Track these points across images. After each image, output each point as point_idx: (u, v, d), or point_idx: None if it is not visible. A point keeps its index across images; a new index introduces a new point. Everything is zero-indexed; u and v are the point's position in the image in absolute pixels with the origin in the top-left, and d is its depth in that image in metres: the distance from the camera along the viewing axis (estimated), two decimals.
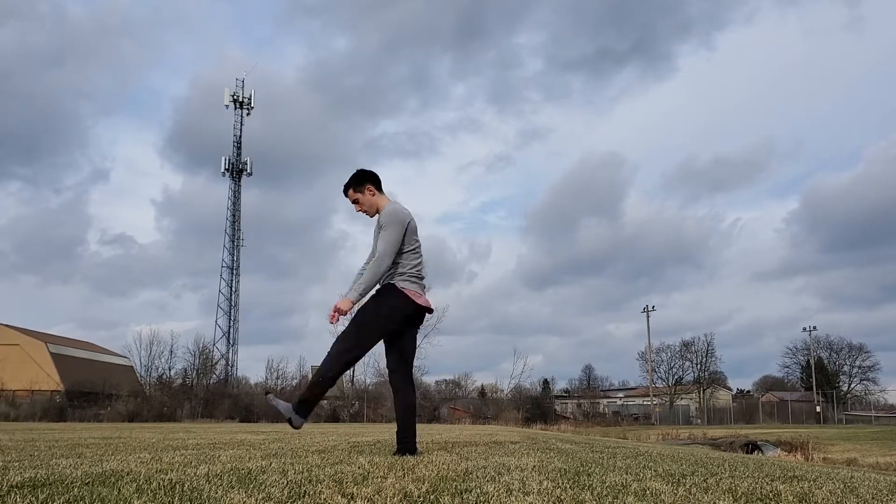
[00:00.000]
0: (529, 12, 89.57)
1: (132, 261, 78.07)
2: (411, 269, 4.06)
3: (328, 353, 3.97)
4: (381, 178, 4.26)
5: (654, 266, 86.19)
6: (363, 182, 4.18)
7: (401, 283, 4.00)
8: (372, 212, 4.20)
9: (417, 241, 4.14)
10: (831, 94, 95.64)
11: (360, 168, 4.25)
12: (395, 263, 4.04)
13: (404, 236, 4.04)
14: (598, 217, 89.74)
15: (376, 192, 4.20)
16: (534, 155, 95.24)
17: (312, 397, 4.04)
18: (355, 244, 79.58)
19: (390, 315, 3.98)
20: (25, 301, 75.45)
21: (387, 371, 4.13)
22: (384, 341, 4.09)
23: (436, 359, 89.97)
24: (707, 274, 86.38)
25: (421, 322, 4.19)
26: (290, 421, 4.04)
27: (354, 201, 4.22)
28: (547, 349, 79.74)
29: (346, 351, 3.94)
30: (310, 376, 44.22)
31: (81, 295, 78.23)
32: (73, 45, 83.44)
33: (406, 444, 4.04)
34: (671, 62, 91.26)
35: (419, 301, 4.03)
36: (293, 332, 74.76)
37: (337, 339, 4.00)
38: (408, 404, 4.06)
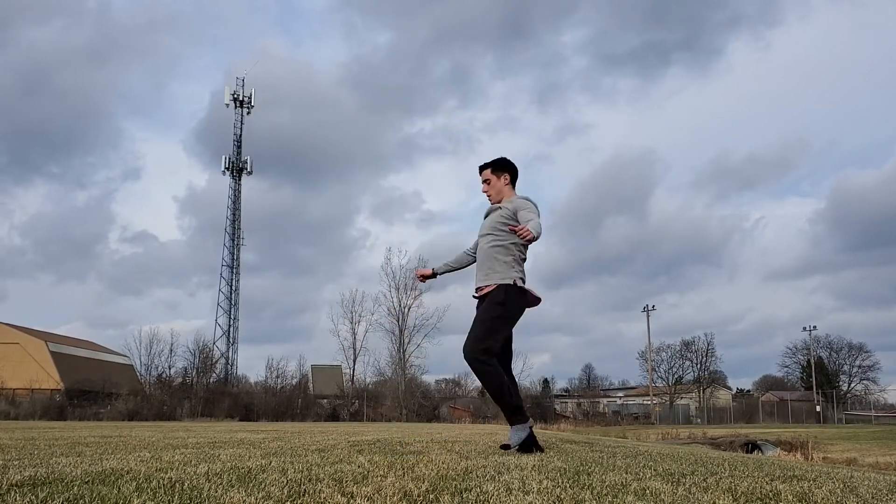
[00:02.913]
0: (575, 9, 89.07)
1: (150, 259, 77.63)
2: (523, 266, 4.27)
3: (477, 363, 4.03)
4: (517, 174, 4.44)
5: (672, 265, 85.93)
6: (504, 169, 4.37)
7: (525, 285, 4.21)
8: (496, 198, 4.37)
9: None
10: (870, 90, 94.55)
11: (505, 157, 4.42)
12: (519, 256, 4.23)
13: None
14: (623, 215, 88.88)
15: (510, 183, 4.37)
16: (568, 151, 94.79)
17: (516, 400, 4.07)
18: (374, 243, 79.08)
19: (518, 313, 4.20)
20: (37, 299, 75.43)
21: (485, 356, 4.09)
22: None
23: (443, 357, 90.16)
24: (725, 273, 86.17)
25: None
26: (531, 432, 4.08)
27: (486, 181, 4.38)
28: (555, 348, 79.88)
29: (490, 349, 4.04)
30: (310, 374, 44.30)
31: (95, 293, 77.82)
32: (114, 41, 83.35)
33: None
34: (716, 58, 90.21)
35: (533, 298, 4.24)
36: (304, 331, 74.81)
37: (474, 338, 4.08)
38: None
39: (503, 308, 4.11)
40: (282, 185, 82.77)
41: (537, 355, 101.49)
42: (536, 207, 4.18)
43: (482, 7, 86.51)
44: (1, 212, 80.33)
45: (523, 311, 4.24)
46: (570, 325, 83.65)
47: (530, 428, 4.07)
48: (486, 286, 4.20)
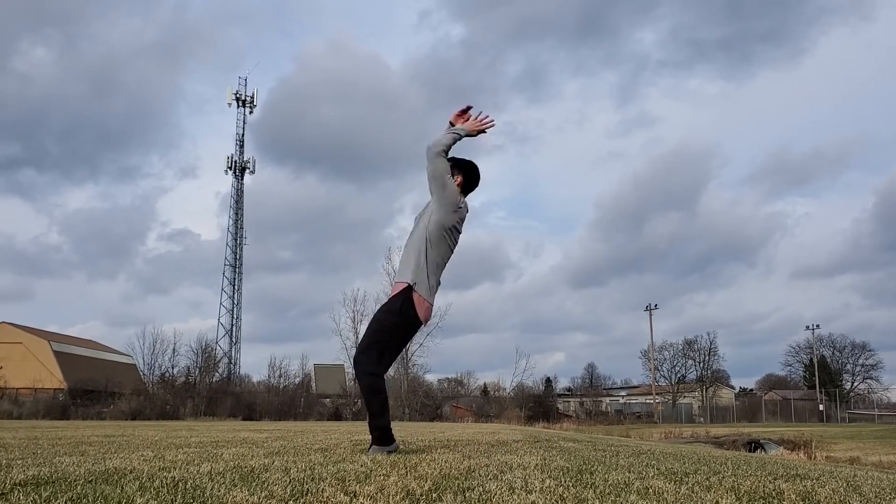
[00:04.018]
0: (657, 4, 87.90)
1: (186, 257, 77.03)
2: (434, 271, 3.93)
3: (359, 376, 3.92)
4: (478, 185, 4.14)
5: (707, 262, 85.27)
6: (460, 170, 4.10)
7: (422, 291, 3.86)
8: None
9: (448, 244, 4.00)
10: None
11: (473, 162, 4.16)
12: (425, 258, 3.89)
13: (443, 228, 3.91)
14: (671, 211, 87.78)
15: (461, 188, 4.06)
16: (632, 144, 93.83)
17: (385, 422, 3.90)
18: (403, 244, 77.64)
19: (404, 329, 3.95)
20: (62, 298, 75.47)
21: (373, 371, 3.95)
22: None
23: (445, 356, 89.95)
24: (758, 272, 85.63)
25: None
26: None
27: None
28: (569, 347, 79.31)
29: (373, 366, 3.88)
30: (313, 374, 44.32)
31: (121, 292, 77.21)
32: (185, 37, 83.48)
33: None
34: (794, 50, 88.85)
35: (425, 315, 3.93)
36: (321, 330, 74.19)
37: (358, 356, 3.94)
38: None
39: (389, 311, 3.90)
40: (329, 182, 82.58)
41: (551, 355, 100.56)
42: (454, 193, 3.95)
43: (558, 2, 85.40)
44: (44, 208, 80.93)
45: (413, 325, 3.94)
46: (592, 323, 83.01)
47: (389, 453, 3.81)
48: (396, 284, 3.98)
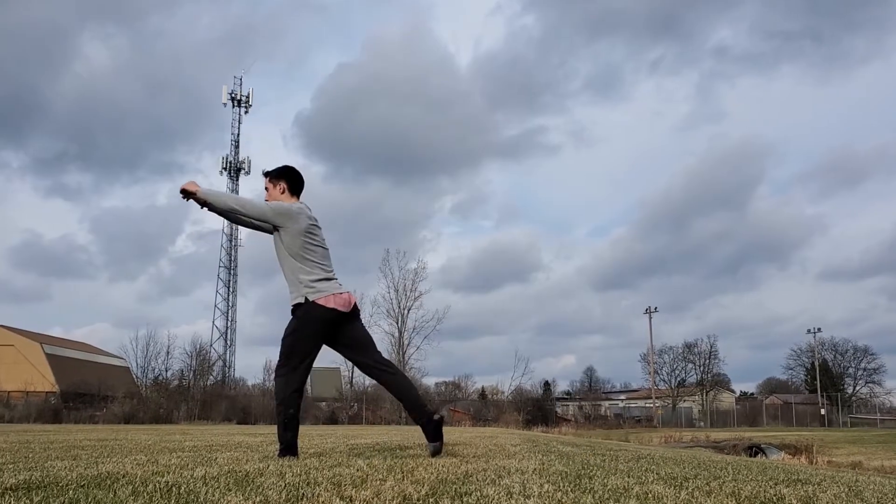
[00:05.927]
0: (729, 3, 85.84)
1: (210, 258, 77.17)
2: (315, 277, 4.05)
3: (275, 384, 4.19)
4: (304, 183, 4.29)
5: (739, 264, 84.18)
6: (280, 178, 4.25)
7: (312, 297, 4.01)
8: None
9: (315, 244, 4.11)
10: None
11: (291, 166, 4.31)
12: (300, 271, 4.05)
13: (301, 238, 4.04)
14: (716, 210, 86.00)
15: (287, 192, 4.22)
16: (697, 141, 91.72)
17: (283, 430, 4.07)
18: (434, 245, 75.91)
19: (311, 328, 4.04)
20: (78, 300, 74.75)
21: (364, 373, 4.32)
22: (336, 349, 4.23)
23: (443, 360, 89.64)
24: (790, 274, 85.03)
25: (353, 316, 4.17)
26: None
27: (265, 188, 4.30)
28: (583, 350, 78.48)
29: (281, 375, 4.09)
30: (309, 377, 44.23)
31: (139, 293, 75.97)
32: (244, 28, 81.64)
33: (422, 418, 4.23)
34: (872, 48, 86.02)
35: (331, 304, 4.02)
36: None
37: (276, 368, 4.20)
38: (399, 384, 4.29)
39: (296, 322, 4.07)
40: (370, 181, 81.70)
41: (561, 358, 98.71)
42: (276, 208, 4.06)
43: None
44: (77, 207, 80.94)
45: (319, 319, 4.03)
46: (610, 326, 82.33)
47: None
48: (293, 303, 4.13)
